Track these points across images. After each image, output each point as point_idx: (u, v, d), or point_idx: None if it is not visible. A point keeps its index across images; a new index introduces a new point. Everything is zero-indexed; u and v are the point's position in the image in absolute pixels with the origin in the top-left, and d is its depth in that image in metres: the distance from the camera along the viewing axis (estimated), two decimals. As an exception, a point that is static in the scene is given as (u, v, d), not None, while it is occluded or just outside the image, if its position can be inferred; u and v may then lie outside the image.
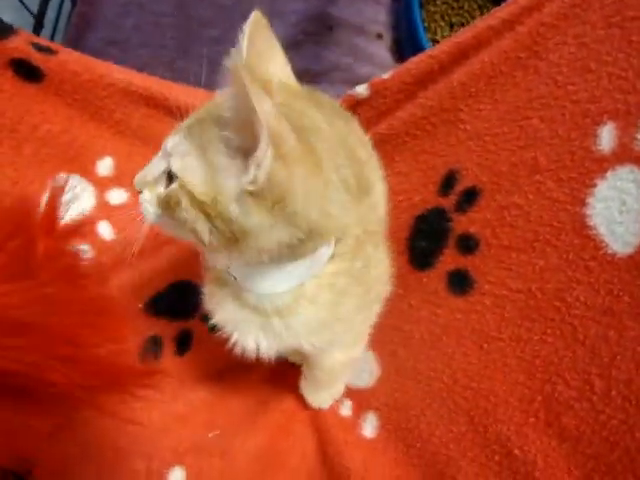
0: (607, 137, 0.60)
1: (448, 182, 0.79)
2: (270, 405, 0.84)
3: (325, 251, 0.52)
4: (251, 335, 0.58)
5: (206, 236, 0.46)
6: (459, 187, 0.77)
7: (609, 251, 0.58)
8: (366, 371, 0.83)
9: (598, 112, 0.62)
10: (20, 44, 0.77)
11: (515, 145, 0.70)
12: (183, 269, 0.88)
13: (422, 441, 0.71)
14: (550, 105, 0.66)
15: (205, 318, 0.87)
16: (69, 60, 0.81)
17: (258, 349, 0.59)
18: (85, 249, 0.82)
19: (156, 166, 0.50)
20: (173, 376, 0.81)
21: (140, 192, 0.51)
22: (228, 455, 0.77)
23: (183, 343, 0.88)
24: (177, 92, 0.88)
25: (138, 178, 0.51)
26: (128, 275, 0.84)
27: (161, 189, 0.49)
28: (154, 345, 0.84)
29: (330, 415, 0.83)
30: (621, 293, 0.56)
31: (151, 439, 0.73)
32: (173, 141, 0.48)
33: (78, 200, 0.85)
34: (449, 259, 0.77)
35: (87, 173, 0.87)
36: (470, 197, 0.75)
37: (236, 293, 0.57)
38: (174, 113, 0.90)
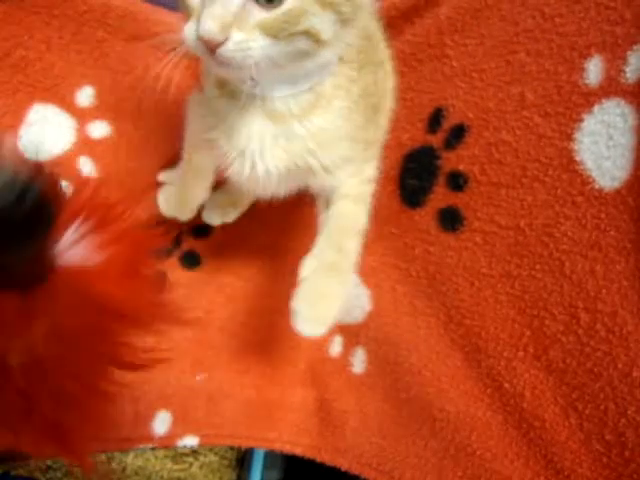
0: (594, 70, 0.59)
1: (436, 119, 0.78)
2: (260, 347, 0.85)
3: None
4: (266, 148, 0.60)
5: (328, 33, 0.49)
6: (446, 124, 0.76)
7: (596, 186, 0.58)
8: (358, 307, 0.85)
9: (585, 45, 0.60)
10: None
11: (502, 81, 0.69)
12: None
13: (411, 374, 0.73)
14: (537, 38, 0.65)
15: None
16: None
17: (268, 167, 0.60)
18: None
19: (228, 2, 0.45)
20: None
21: (218, 44, 0.45)
22: (214, 400, 0.78)
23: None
24: (160, 13, 0.83)
25: (212, 27, 0.44)
26: None
27: (262, 15, 0.46)
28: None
29: (321, 358, 0.85)
30: (608, 228, 0.57)
31: (137, 382, 0.72)
32: None
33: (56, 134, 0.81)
34: (439, 196, 0.77)
35: (65, 104, 0.81)
36: (458, 134, 0.74)
37: (249, 105, 0.58)
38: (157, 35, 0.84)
